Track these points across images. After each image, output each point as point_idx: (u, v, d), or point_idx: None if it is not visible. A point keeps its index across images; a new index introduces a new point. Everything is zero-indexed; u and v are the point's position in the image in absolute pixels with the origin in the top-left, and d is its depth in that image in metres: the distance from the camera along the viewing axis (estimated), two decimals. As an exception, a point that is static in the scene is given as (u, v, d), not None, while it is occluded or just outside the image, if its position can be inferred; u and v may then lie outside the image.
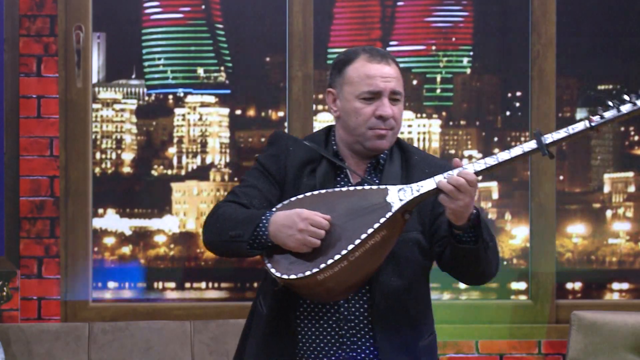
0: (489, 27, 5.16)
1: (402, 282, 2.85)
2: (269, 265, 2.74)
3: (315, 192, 2.80)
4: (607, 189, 5.18)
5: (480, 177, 2.71)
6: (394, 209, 2.70)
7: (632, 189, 5.16)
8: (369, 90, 2.86)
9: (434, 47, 5.17)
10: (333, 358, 2.84)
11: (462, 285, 5.12)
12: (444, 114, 5.19)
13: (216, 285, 5.12)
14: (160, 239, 5.09)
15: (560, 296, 5.02)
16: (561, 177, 5.13)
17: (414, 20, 5.18)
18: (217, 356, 4.67)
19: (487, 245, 2.73)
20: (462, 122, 5.22)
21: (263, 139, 5.12)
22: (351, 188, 2.79)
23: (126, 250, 5.10)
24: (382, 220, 2.69)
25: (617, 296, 5.15)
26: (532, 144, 2.70)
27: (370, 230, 2.68)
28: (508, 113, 5.19)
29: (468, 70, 5.18)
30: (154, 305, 4.95)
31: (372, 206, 2.72)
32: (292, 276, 2.68)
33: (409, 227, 2.82)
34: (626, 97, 2.69)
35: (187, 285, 5.09)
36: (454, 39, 5.17)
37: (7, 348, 4.58)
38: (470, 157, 5.16)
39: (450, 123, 5.21)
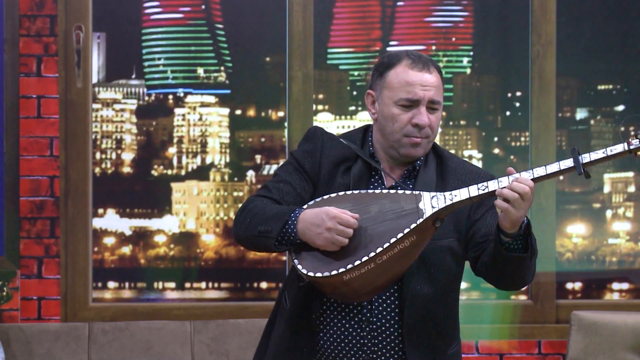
0: (489, 27, 5.16)
1: (434, 289, 2.85)
2: (296, 261, 2.75)
3: (348, 192, 2.80)
4: (607, 189, 5.18)
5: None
6: (425, 216, 2.70)
7: (632, 189, 5.16)
8: (407, 98, 2.85)
9: (434, 47, 5.17)
10: (353, 359, 2.84)
11: (462, 285, 5.11)
12: (444, 114, 5.18)
13: (216, 285, 5.12)
14: (160, 239, 5.09)
15: (560, 296, 5.02)
16: (561, 177, 5.13)
17: (414, 20, 5.17)
18: (217, 356, 4.67)
19: (536, 254, 2.74)
20: (462, 122, 5.22)
21: (263, 139, 5.12)
22: (384, 191, 2.78)
23: (126, 250, 5.10)
24: (413, 225, 2.69)
25: (617, 296, 5.15)
26: (569, 162, 2.70)
27: (400, 235, 2.68)
28: (508, 113, 5.19)
29: (468, 70, 5.18)
30: (154, 305, 4.95)
31: (403, 211, 2.72)
32: (319, 274, 2.68)
33: (443, 234, 2.82)
34: None
35: (187, 285, 5.09)
36: (454, 39, 5.17)
37: (7, 348, 4.58)
38: (470, 157, 5.16)
39: (450, 123, 5.21)
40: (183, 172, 5.14)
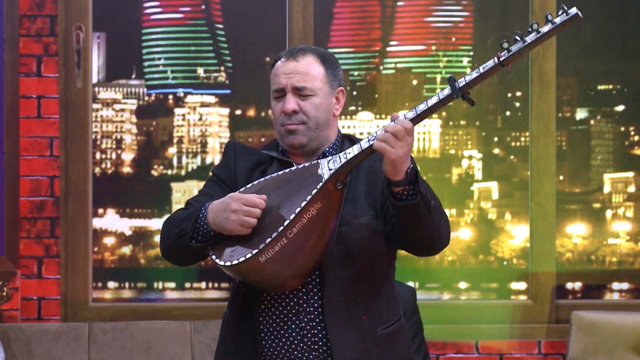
0: (489, 27, 5.16)
1: (354, 268, 2.83)
2: (213, 256, 2.76)
3: (255, 182, 2.83)
4: (607, 189, 5.18)
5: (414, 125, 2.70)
6: (324, 179, 2.72)
7: (632, 189, 5.16)
8: (274, 89, 2.93)
9: (434, 47, 5.17)
10: (295, 352, 2.83)
11: (462, 285, 5.12)
12: (444, 114, 5.18)
13: (216, 285, 5.12)
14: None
15: (560, 296, 5.02)
16: (561, 177, 5.13)
17: (414, 20, 5.18)
18: (217, 356, 4.67)
19: (427, 201, 2.70)
20: (462, 122, 5.22)
21: (263, 139, 5.12)
22: (287, 170, 2.82)
23: (126, 250, 5.10)
24: (314, 191, 2.71)
25: (617, 296, 5.14)
26: (446, 90, 2.70)
27: (303, 204, 2.70)
28: (508, 113, 5.19)
29: (468, 70, 5.18)
30: (154, 305, 4.95)
31: (305, 181, 2.75)
32: (235, 262, 2.69)
33: (359, 212, 2.83)
34: (530, 28, 2.68)
35: (187, 285, 5.09)
36: (454, 39, 5.17)
37: (7, 348, 4.58)
38: (470, 157, 5.16)
39: (450, 123, 5.21)
40: (183, 172, 5.14)
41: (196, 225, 2.80)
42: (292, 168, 2.82)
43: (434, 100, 2.70)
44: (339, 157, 2.75)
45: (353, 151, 2.73)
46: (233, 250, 2.73)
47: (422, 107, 2.70)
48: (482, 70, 2.70)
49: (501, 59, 2.67)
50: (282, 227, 2.68)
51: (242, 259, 2.68)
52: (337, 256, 2.82)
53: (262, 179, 2.83)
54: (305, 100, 2.89)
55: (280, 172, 2.82)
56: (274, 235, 2.68)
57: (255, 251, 2.68)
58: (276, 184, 2.79)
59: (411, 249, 2.85)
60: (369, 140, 2.72)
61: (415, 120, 2.70)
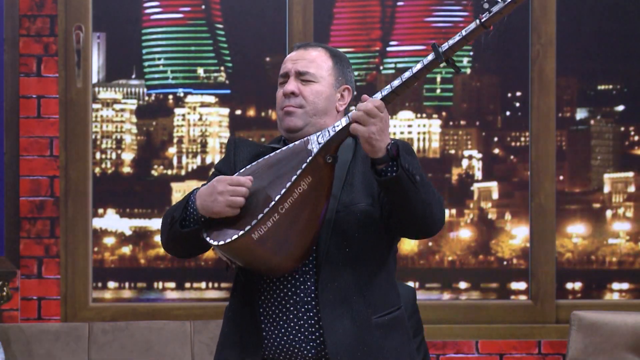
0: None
1: (350, 255, 2.84)
2: (207, 238, 2.76)
3: (248, 166, 2.84)
4: (607, 189, 5.18)
5: (389, 102, 2.73)
6: (313, 153, 2.73)
7: (632, 189, 5.16)
8: (280, 74, 2.97)
9: (434, 47, 5.17)
10: (295, 339, 2.83)
11: (462, 285, 5.12)
12: (444, 114, 5.19)
13: (216, 285, 5.12)
14: (160, 239, 5.09)
15: (560, 296, 5.02)
16: (561, 177, 5.13)
17: (414, 20, 5.18)
18: (217, 356, 4.67)
19: (411, 174, 2.69)
20: (462, 122, 5.22)
21: (263, 139, 5.12)
22: (277, 151, 2.84)
23: (126, 250, 5.10)
24: (304, 165, 2.72)
25: (617, 296, 5.15)
26: (430, 56, 2.71)
27: (293, 177, 2.71)
28: (508, 113, 5.19)
29: (468, 70, 5.18)
30: (154, 305, 4.95)
31: (296, 157, 2.77)
32: (228, 240, 2.69)
33: (356, 199, 2.84)
34: None
35: (187, 285, 5.09)
36: (454, 39, 5.16)
37: (7, 348, 4.58)
38: (470, 157, 5.17)
39: (450, 123, 5.21)
40: (183, 172, 5.14)
41: (186, 212, 2.81)
42: (283, 148, 2.83)
43: (418, 66, 2.72)
44: (327, 130, 2.77)
45: (341, 124, 2.75)
46: (226, 229, 2.73)
47: (407, 74, 2.72)
48: (464, 33, 2.70)
49: (482, 20, 2.67)
50: (273, 202, 2.68)
51: (235, 236, 2.68)
52: (333, 242, 2.83)
53: (254, 163, 2.84)
54: (306, 85, 2.93)
55: (271, 154, 2.84)
56: (265, 211, 2.68)
57: (248, 227, 2.68)
58: (268, 165, 2.81)
59: (406, 230, 2.84)
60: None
61: (397, 91, 2.72)
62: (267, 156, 2.85)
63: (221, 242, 2.71)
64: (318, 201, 2.75)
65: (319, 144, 2.75)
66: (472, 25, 2.69)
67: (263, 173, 2.79)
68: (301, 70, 2.93)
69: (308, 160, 2.73)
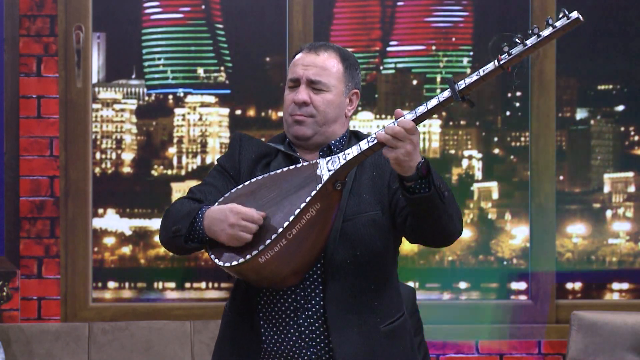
0: (489, 27, 5.16)
1: (357, 264, 2.83)
2: (212, 256, 2.78)
3: (253, 180, 2.83)
4: (607, 189, 5.18)
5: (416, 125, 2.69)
6: (324, 180, 2.72)
7: (632, 189, 5.16)
8: (290, 78, 2.93)
9: (434, 47, 5.17)
10: (294, 349, 2.83)
11: (462, 285, 5.12)
12: (444, 114, 5.18)
13: (216, 285, 5.12)
14: (159, 236, 5.08)
15: (560, 296, 5.02)
16: (561, 177, 5.13)
17: (414, 20, 5.18)
18: (217, 356, 4.67)
19: (441, 192, 2.69)
20: (462, 122, 5.22)
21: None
22: (284, 169, 2.82)
23: (126, 250, 5.10)
24: (314, 193, 2.71)
25: (617, 296, 5.15)
26: (446, 93, 2.69)
27: (302, 205, 2.70)
28: (508, 113, 5.19)
29: (468, 70, 5.18)
30: (154, 305, 4.95)
31: (303, 181, 2.76)
32: (234, 262, 2.70)
33: (365, 207, 2.83)
34: (530, 31, 2.67)
35: (187, 285, 5.09)
36: (454, 39, 5.17)
37: (7, 348, 4.58)
38: (470, 157, 5.16)
39: (450, 123, 5.21)
40: (183, 172, 5.14)
41: (192, 227, 2.81)
42: (291, 167, 2.82)
43: (433, 102, 2.70)
44: (338, 157, 2.75)
45: (352, 152, 2.73)
46: (233, 250, 2.74)
47: (421, 108, 2.69)
48: (482, 73, 2.68)
49: (501, 62, 2.66)
50: (281, 229, 2.68)
51: (242, 260, 2.69)
52: (340, 253, 2.82)
53: (260, 177, 2.83)
54: (318, 94, 2.90)
55: (278, 171, 2.82)
56: (273, 237, 2.68)
57: (254, 252, 2.68)
58: (274, 183, 2.79)
59: (426, 240, 2.83)
60: (368, 142, 2.71)
61: (415, 122, 2.69)
62: (274, 172, 2.83)
63: (227, 264, 2.72)
64: (325, 223, 2.75)
65: (329, 171, 2.73)
66: (490, 66, 2.67)
67: (270, 192, 2.78)
68: (313, 79, 2.90)
69: (317, 188, 2.71)
